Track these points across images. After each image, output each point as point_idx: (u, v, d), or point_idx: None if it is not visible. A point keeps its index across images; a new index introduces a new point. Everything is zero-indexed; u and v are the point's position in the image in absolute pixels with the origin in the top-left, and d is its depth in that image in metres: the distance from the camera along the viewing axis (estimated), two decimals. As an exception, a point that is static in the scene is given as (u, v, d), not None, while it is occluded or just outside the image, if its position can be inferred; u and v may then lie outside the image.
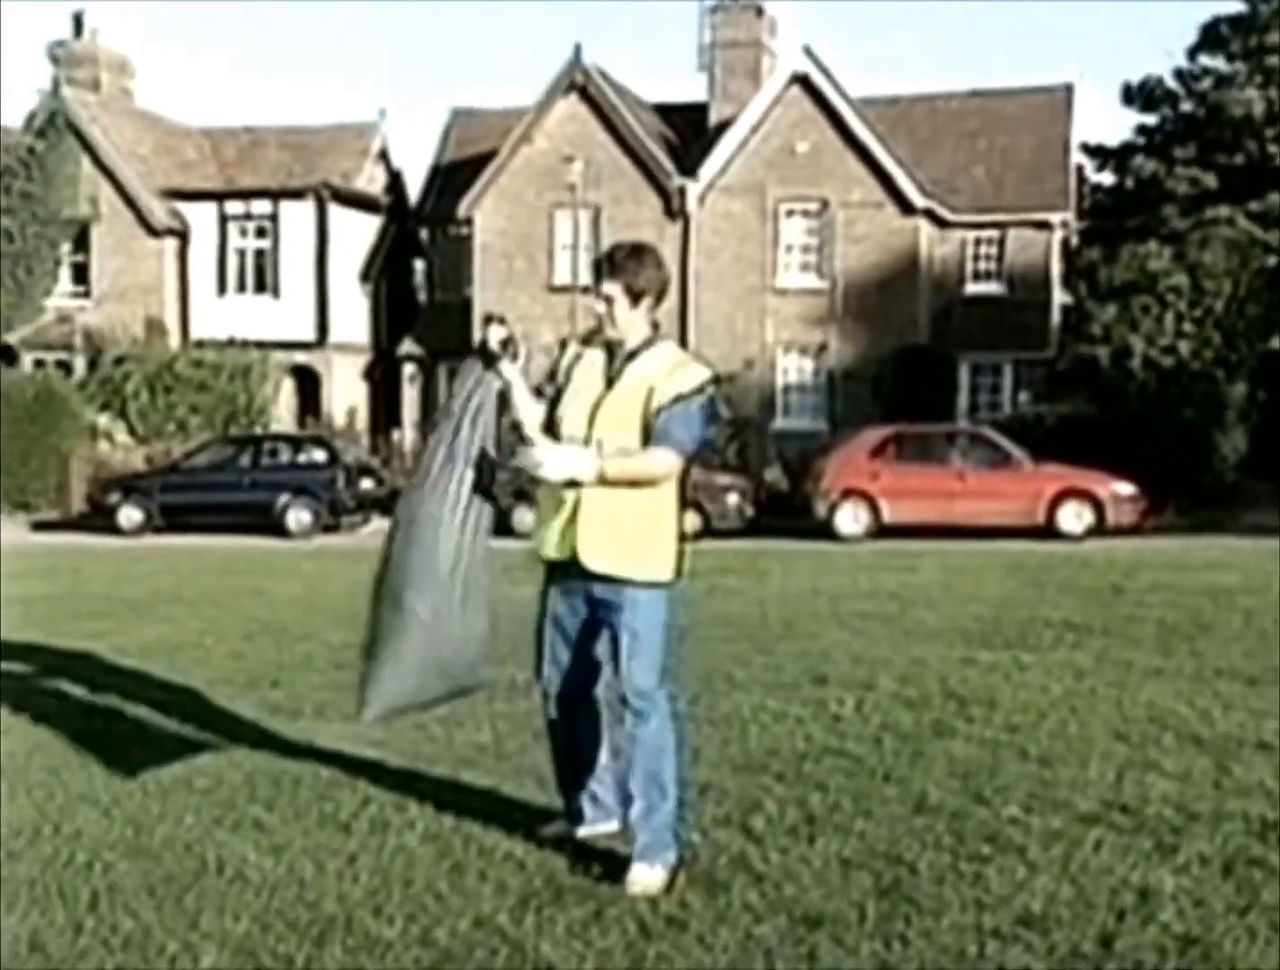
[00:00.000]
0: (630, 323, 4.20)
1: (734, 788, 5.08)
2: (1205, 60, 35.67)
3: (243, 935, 3.72)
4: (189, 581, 13.61)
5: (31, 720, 6.40)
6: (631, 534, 4.11)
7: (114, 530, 22.20)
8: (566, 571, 4.19)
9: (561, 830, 4.43)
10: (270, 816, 4.78)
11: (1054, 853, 4.32)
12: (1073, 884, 4.05)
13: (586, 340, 4.42)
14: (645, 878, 4.01)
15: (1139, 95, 36.16)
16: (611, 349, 4.24)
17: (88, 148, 30.51)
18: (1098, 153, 36.70)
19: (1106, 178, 37.18)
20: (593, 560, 4.13)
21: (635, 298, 4.18)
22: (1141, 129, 36.50)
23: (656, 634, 4.17)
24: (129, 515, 22.52)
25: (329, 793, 5.03)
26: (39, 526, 24.52)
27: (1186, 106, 35.80)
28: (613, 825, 4.36)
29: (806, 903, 3.91)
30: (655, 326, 4.28)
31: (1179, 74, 35.93)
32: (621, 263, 4.22)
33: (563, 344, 4.57)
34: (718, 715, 6.30)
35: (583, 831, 4.38)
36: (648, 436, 4.09)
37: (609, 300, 4.20)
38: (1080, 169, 33.78)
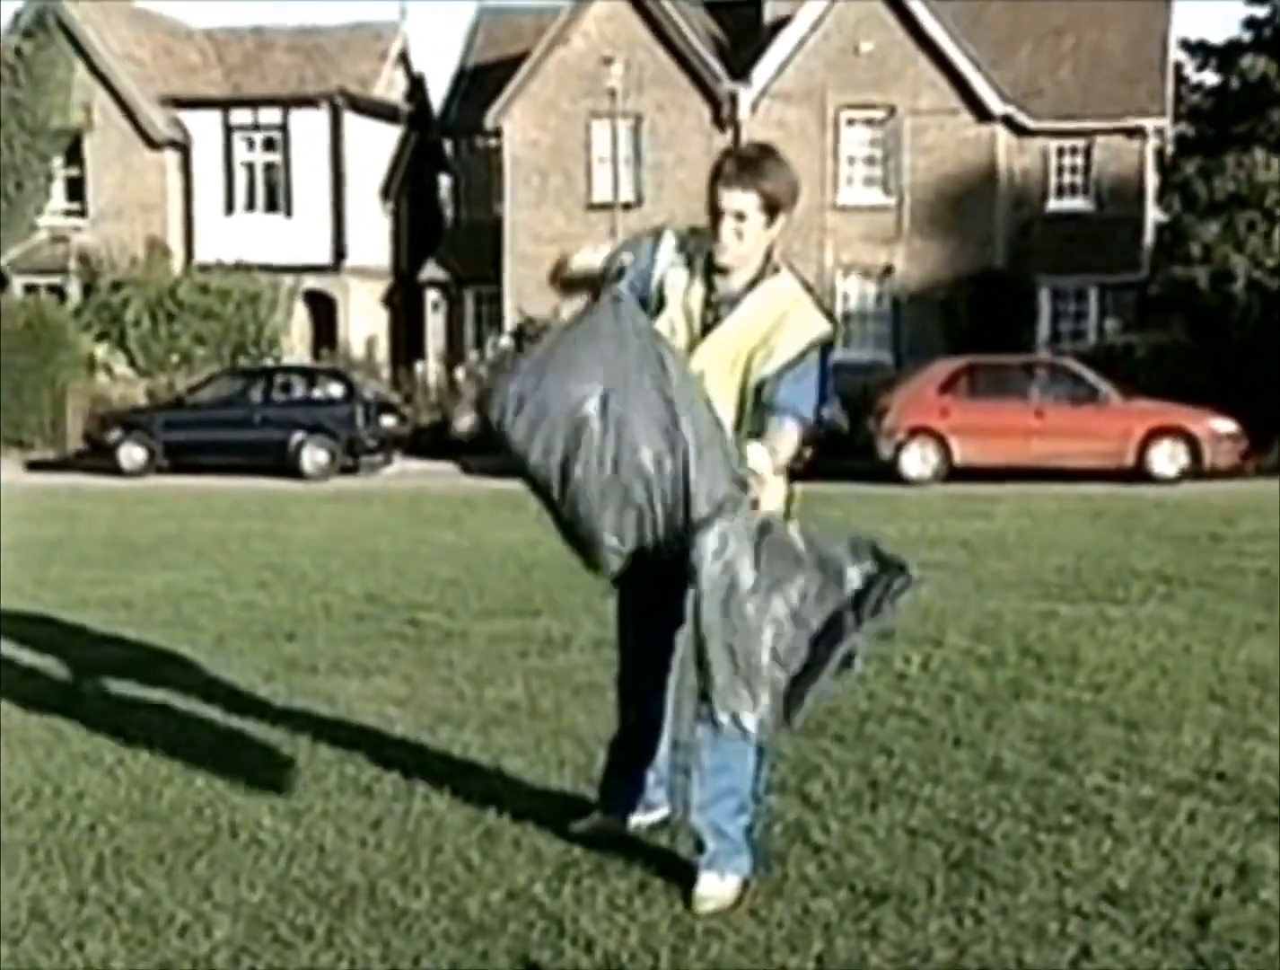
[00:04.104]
0: (757, 248, 3.77)
1: (790, 751, 5.09)
2: (1324, -57, 34.80)
3: (258, 905, 3.77)
4: (196, 526, 13.73)
5: (28, 675, 6.49)
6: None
7: (114, 470, 22.44)
8: None
9: (596, 824, 4.29)
10: (287, 778, 4.83)
11: (1143, 824, 4.31)
12: (1164, 858, 4.05)
13: (685, 246, 3.85)
14: (716, 890, 3.77)
15: (1247, -16, 35.37)
16: (711, 275, 3.79)
17: (80, 51, 30.54)
18: (1199, 50, 35.92)
19: (1209, 78, 36.45)
20: None
21: (772, 213, 3.74)
22: (1250, 22, 35.65)
23: None
24: (130, 454, 22.75)
25: (350, 754, 5.08)
26: (34, 466, 24.81)
27: (1302, -4, 35.00)
28: (664, 812, 4.29)
29: (869, 875, 3.93)
30: (769, 253, 3.84)
31: (1294, -41, 35.09)
32: (757, 163, 3.73)
33: (657, 234, 3.95)
34: (772, 672, 6.31)
35: (635, 819, 4.26)
36: (742, 401, 3.76)
37: (740, 217, 3.71)
38: (1179, 68, 33.17)
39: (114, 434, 23.16)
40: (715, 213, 3.75)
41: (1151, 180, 29.69)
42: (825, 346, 3.83)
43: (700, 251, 3.84)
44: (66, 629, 7.73)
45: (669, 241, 3.88)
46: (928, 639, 7.15)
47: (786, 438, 3.78)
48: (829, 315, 3.92)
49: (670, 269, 3.84)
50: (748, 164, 3.75)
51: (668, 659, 4.12)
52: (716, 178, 3.75)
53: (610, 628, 4.44)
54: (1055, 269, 28.64)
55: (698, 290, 3.82)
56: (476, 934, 3.59)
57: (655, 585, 3.84)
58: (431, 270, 31.67)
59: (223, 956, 3.48)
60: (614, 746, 4.37)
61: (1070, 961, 3.43)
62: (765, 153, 3.82)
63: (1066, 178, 29.42)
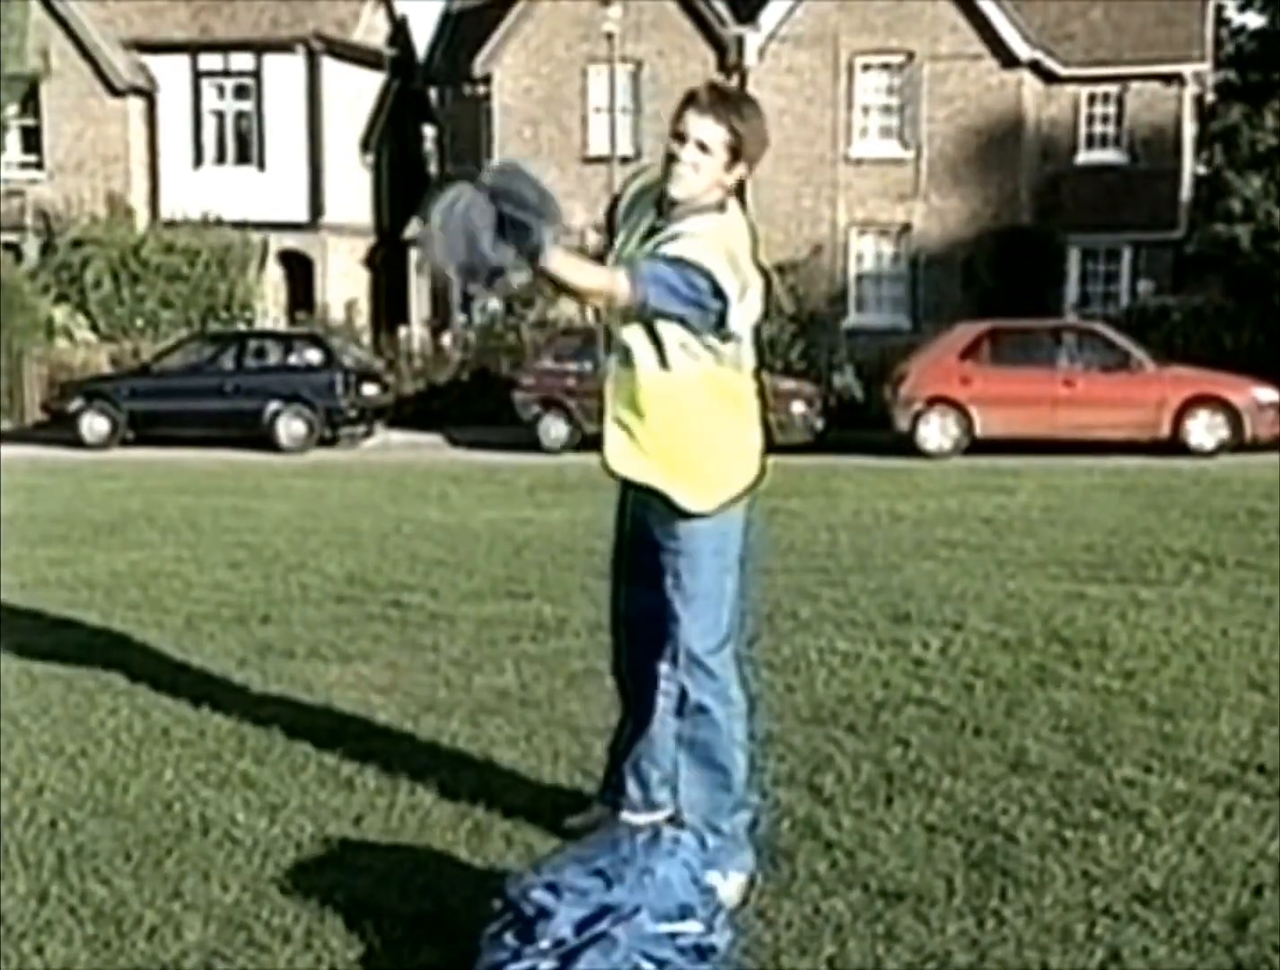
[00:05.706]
0: (709, 191, 3.79)
1: (800, 742, 5.12)
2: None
3: (231, 905, 3.79)
4: (164, 501, 13.74)
5: (-15, 660, 6.50)
6: (676, 432, 3.81)
7: (76, 442, 22.45)
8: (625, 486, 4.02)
9: (593, 817, 4.29)
10: (262, 771, 4.85)
11: (1177, 819, 4.33)
12: (1200, 855, 4.06)
13: (650, 189, 3.97)
14: (720, 889, 3.76)
15: (1292, -81, 35.27)
16: (662, 207, 3.84)
17: (37, -9, 30.44)
18: (1241, -10, 35.93)
19: (1252, 19, 36.42)
20: (615, 457, 3.87)
21: (734, 156, 3.76)
22: (1295, -40, 35.64)
23: (714, 578, 3.87)
24: (93, 425, 22.75)
25: (329, 744, 5.09)
26: (-11, 438, 24.81)
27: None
28: (668, 812, 4.28)
29: (884, 874, 3.94)
30: (723, 204, 3.87)
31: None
32: (735, 101, 3.79)
33: (635, 174, 4.18)
34: (780, 659, 6.33)
35: (638, 820, 4.25)
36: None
37: (702, 147, 3.73)
38: (1220, 9, 33.08)
39: (75, 403, 23.16)
40: (678, 137, 3.77)
41: (1189, 130, 29.60)
42: (717, 286, 3.69)
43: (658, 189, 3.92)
44: (24, 611, 7.74)
45: (636, 182, 4.06)
46: (947, 622, 7.17)
47: (603, 277, 3.72)
48: (763, 270, 3.90)
49: (625, 203, 4.02)
50: (725, 97, 3.81)
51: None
52: (689, 103, 3.78)
53: (607, 610, 4.44)
54: (1085, 226, 28.59)
55: (646, 221, 3.90)
56: (464, 936, 3.60)
57: (635, 559, 4.02)
58: (416, 228, 31.59)
59: (193, 960, 3.49)
60: (617, 734, 4.38)
61: (1099, 965, 3.44)
62: (746, 99, 3.89)
63: (1098, 128, 29.33)
